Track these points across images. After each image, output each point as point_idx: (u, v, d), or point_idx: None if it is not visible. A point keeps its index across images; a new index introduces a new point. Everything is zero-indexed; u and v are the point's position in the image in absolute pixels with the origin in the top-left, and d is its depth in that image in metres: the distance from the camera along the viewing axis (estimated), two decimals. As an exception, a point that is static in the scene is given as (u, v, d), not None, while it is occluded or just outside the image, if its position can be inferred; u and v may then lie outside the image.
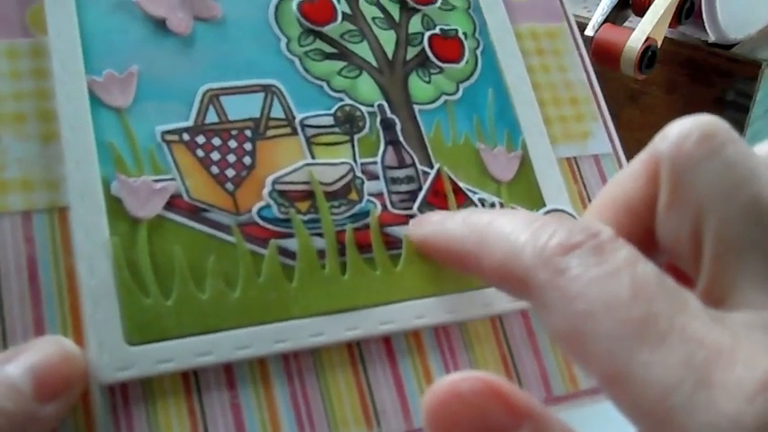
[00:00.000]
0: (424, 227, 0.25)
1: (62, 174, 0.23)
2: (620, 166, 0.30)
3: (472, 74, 0.30)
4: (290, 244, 0.25)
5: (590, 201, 0.29)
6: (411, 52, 0.29)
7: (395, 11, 0.30)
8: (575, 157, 0.30)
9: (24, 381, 0.20)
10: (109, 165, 0.24)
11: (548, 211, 0.28)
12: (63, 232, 0.23)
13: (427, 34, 0.29)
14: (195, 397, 0.22)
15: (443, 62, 0.29)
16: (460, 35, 0.30)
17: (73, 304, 0.22)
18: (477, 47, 0.30)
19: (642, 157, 0.20)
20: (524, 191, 0.28)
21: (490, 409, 0.17)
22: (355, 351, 0.24)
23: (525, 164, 0.29)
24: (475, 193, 0.28)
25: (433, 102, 0.29)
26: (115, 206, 0.23)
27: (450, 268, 0.25)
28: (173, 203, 0.24)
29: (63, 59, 0.24)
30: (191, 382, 0.23)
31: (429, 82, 0.29)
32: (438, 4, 0.30)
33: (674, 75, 0.65)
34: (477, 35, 0.30)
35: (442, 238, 0.24)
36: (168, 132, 0.25)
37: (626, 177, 0.20)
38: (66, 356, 0.21)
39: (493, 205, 0.28)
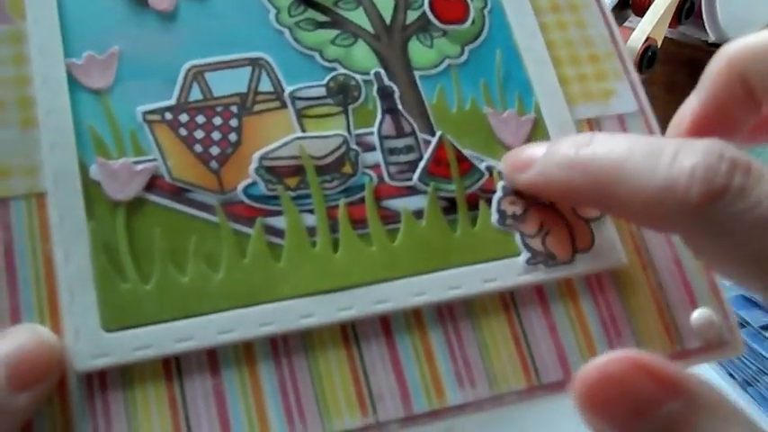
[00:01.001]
0: (527, 172, 0.24)
1: (40, 159, 0.23)
2: (649, 124, 0.28)
3: (479, 35, 0.28)
4: (278, 222, 0.23)
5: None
6: (411, 16, 0.27)
7: (394, -26, 0.28)
8: (596, 118, 0.27)
9: None
10: (88, 148, 0.23)
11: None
12: (41, 218, 0.22)
13: (428, -4, 0.28)
14: (176, 384, 0.21)
15: (446, 24, 0.27)
16: (465, -5, 0.28)
17: (50, 291, 0.21)
18: (485, 6, 0.28)
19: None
20: (538, 156, 0.26)
21: (640, 384, 0.17)
22: (349, 332, 0.23)
23: (539, 127, 0.26)
24: (482, 160, 0.26)
25: (435, 66, 0.27)
26: (93, 190, 0.23)
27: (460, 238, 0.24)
28: (154, 185, 0.23)
29: (41, 44, 0.24)
30: (172, 368, 0.21)
31: (431, 46, 0.27)
32: (441, -36, 0.28)
33: (674, 75, 0.64)
34: (484, -6, 0.28)
35: (552, 186, 0.23)
36: (150, 112, 0.24)
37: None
38: (41, 344, 0.21)
39: (500, 173, 0.25)
